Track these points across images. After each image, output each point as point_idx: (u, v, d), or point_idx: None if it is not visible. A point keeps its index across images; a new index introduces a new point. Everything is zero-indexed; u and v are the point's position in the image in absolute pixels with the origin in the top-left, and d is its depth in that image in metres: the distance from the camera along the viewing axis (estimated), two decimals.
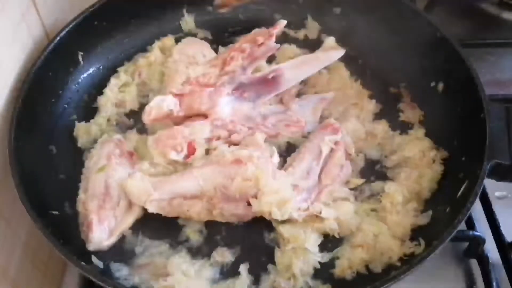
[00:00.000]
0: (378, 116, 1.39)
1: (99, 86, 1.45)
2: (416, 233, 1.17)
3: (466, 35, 1.67)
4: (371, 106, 1.40)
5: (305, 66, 1.41)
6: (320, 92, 1.44)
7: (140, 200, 1.19)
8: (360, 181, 1.28)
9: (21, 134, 1.19)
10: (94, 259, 1.14)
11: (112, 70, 1.49)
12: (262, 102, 1.37)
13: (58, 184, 1.27)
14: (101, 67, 1.50)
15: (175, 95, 1.31)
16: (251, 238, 1.20)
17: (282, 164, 1.28)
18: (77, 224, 1.20)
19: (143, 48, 1.54)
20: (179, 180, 1.21)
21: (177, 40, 1.53)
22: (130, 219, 1.20)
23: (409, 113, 1.40)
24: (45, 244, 1.05)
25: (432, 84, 1.38)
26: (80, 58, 1.45)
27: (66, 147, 1.34)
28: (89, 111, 1.41)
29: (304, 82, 1.45)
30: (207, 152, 1.28)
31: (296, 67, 1.39)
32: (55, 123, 1.36)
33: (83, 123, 1.38)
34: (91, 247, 1.15)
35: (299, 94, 1.44)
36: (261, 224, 1.20)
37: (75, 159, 1.32)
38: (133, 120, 1.42)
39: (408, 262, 1.08)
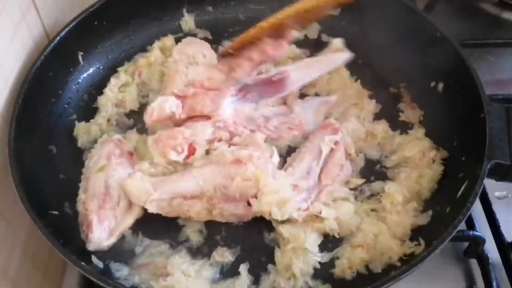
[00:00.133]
0: (378, 116, 1.39)
1: (99, 86, 1.46)
2: (416, 233, 1.17)
3: (466, 35, 1.66)
4: (371, 106, 1.40)
5: (311, 68, 1.40)
6: (320, 92, 1.45)
7: (140, 200, 1.19)
8: (360, 181, 1.28)
9: (21, 134, 1.19)
10: (94, 259, 1.14)
11: (112, 70, 1.49)
12: (264, 104, 1.37)
13: (58, 184, 1.27)
14: (101, 67, 1.51)
15: (178, 97, 1.31)
16: (251, 238, 1.21)
17: (282, 164, 1.28)
18: (77, 224, 1.20)
19: (143, 48, 1.54)
20: (179, 180, 1.21)
21: (177, 40, 1.53)
22: (130, 219, 1.20)
23: (409, 113, 1.40)
24: (45, 244, 1.05)
25: (432, 84, 1.38)
26: (80, 58, 1.45)
27: (66, 147, 1.34)
28: (89, 111, 1.41)
29: None
30: (207, 152, 1.28)
31: (302, 70, 1.38)
32: (55, 123, 1.36)
33: (83, 123, 1.38)
34: (91, 247, 1.15)
35: (301, 95, 1.43)
36: (261, 224, 1.20)
37: (75, 159, 1.32)
38: (133, 120, 1.42)
39: (408, 262, 1.08)
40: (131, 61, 1.52)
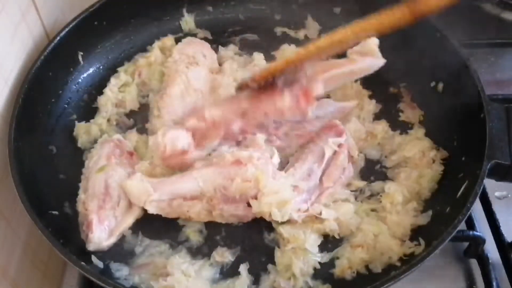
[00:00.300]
0: (378, 116, 1.39)
1: (99, 86, 1.46)
2: (416, 233, 1.17)
3: (466, 35, 1.66)
4: (371, 106, 1.40)
5: (338, 79, 1.28)
6: None
7: (140, 201, 1.19)
8: (361, 183, 1.27)
9: (21, 134, 1.19)
10: (94, 259, 1.14)
11: (112, 70, 1.49)
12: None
13: (58, 184, 1.27)
14: (101, 67, 1.51)
15: (188, 130, 1.26)
16: (251, 238, 1.21)
17: (284, 165, 1.28)
18: (77, 224, 1.20)
19: (143, 48, 1.55)
20: (179, 181, 1.20)
21: (177, 40, 1.53)
22: (130, 219, 1.20)
23: (409, 113, 1.40)
24: (45, 244, 1.05)
25: (432, 84, 1.38)
26: (80, 58, 1.45)
27: (66, 147, 1.34)
28: (89, 111, 1.41)
29: None
30: None
31: (327, 81, 1.25)
32: (55, 123, 1.36)
33: (83, 123, 1.38)
34: (90, 247, 1.15)
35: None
36: (261, 224, 1.20)
37: (75, 159, 1.32)
38: (133, 120, 1.42)
39: (408, 262, 1.08)
40: (131, 61, 1.52)
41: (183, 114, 1.36)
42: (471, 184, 1.11)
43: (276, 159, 1.25)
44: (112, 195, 1.20)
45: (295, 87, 1.22)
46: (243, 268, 1.15)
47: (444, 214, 1.15)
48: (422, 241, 1.12)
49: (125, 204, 1.21)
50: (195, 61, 1.43)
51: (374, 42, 1.25)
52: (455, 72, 1.30)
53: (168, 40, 1.54)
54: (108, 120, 1.40)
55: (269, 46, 1.55)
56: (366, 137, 1.35)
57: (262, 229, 1.21)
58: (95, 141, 1.33)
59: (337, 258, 1.17)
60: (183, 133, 1.24)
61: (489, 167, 1.12)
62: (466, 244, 1.30)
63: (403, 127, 1.38)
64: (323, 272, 1.15)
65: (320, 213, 1.18)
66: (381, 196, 1.24)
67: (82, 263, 1.04)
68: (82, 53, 1.45)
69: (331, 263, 1.16)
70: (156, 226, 1.21)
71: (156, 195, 1.18)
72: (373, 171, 1.31)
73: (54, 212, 1.19)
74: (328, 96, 1.39)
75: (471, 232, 1.28)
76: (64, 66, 1.42)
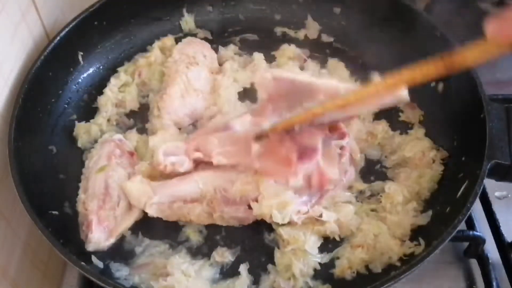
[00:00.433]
0: (378, 116, 1.39)
1: (99, 86, 1.46)
2: (416, 233, 1.17)
3: (466, 35, 1.66)
4: None
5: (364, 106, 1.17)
6: None
7: (140, 203, 1.19)
8: (362, 186, 1.27)
9: (21, 134, 1.19)
10: (94, 259, 1.14)
11: (112, 70, 1.49)
12: None
13: (58, 184, 1.27)
14: (101, 67, 1.50)
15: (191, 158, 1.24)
16: (251, 239, 1.20)
17: None
18: (77, 224, 1.20)
19: (143, 48, 1.55)
20: (179, 184, 1.20)
21: (177, 40, 1.53)
22: (129, 220, 1.20)
23: (409, 113, 1.40)
24: (45, 244, 1.04)
25: (432, 84, 1.38)
26: (80, 58, 1.45)
27: (66, 147, 1.34)
28: (89, 111, 1.41)
29: None
30: None
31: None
32: (55, 123, 1.35)
33: (83, 123, 1.38)
34: (90, 247, 1.15)
35: None
36: (261, 225, 1.20)
37: (75, 159, 1.32)
38: (133, 120, 1.42)
39: (408, 262, 1.07)
40: (131, 61, 1.52)
41: (183, 115, 1.37)
42: (471, 184, 1.11)
43: None
44: (112, 195, 1.20)
45: (311, 164, 1.17)
46: (243, 268, 1.15)
47: (444, 214, 1.15)
48: (422, 241, 1.12)
49: (125, 205, 1.21)
50: (195, 61, 1.43)
51: (405, 93, 1.13)
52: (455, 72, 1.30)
53: (168, 40, 1.54)
54: (108, 120, 1.40)
55: (269, 46, 1.55)
56: (366, 137, 1.35)
57: (262, 229, 1.21)
58: (95, 141, 1.33)
59: (337, 258, 1.16)
60: (188, 161, 1.22)
61: (489, 167, 1.11)
62: (466, 244, 1.30)
63: (403, 127, 1.38)
64: (323, 272, 1.15)
65: (321, 215, 1.17)
66: (381, 196, 1.24)
67: (82, 263, 1.04)
68: (82, 53, 1.45)
69: (331, 263, 1.16)
70: (156, 226, 1.21)
71: (156, 198, 1.18)
72: (373, 171, 1.31)
73: (54, 212, 1.19)
74: None
75: (471, 232, 1.27)
76: (64, 66, 1.42)
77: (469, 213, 1.07)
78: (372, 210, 1.23)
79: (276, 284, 1.12)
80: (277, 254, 1.16)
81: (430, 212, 1.19)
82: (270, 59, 1.51)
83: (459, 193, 1.15)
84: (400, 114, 1.41)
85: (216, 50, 1.53)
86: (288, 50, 1.52)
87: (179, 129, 1.37)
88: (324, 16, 1.57)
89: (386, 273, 1.11)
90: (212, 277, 1.15)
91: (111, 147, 1.28)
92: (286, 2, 1.61)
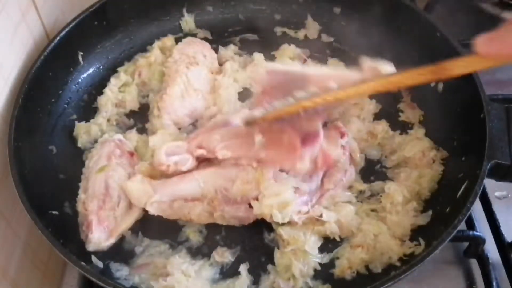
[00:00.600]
0: (378, 116, 1.39)
1: (99, 86, 1.46)
2: (416, 233, 1.17)
3: (466, 35, 1.66)
4: (371, 106, 1.40)
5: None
6: None
7: (140, 202, 1.19)
8: (362, 186, 1.27)
9: (21, 134, 1.19)
10: (94, 259, 1.14)
11: (112, 70, 1.49)
12: None
13: (58, 184, 1.27)
14: (101, 67, 1.51)
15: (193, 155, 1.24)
16: (251, 239, 1.20)
17: None
18: (77, 224, 1.20)
19: (143, 48, 1.55)
20: (180, 182, 1.20)
21: (177, 40, 1.53)
22: (129, 220, 1.20)
23: (409, 113, 1.40)
24: (45, 244, 1.05)
25: (432, 84, 1.38)
26: (80, 58, 1.45)
27: (66, 147, 1.34)
28: (89, 111, 1.42)
29: None
30: None
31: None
32: (55, 123, 1.36)
33: (83, 123, 1.38)
34: (90, 247, 1.15)
35: None
36: (261, 225, 1.20)
37: (75, 159, 1.33)
38: (133, 120, 1.42)
39: (408, 262, 1.08)
40: (131, 61, 1.52)
41: (183, 115, 1.37)
42: (471, 184, 1.11)
43: None
44: (112, 195, 1.20)
45: (315, 148, 1.18)
46: (243, 268, 1.15)
47: (444, 214, 1.15)
48: (422, 241, 1.12)
49: (125, 205, 1.21)
50: (195, 61, 1.43)
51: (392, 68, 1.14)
52: None
53: (168, 40, 1.54)
54: (108, 120, 1.40)
55: (269, 46, 1.55)
56: (367, 137, 1.35)
57: (262, 229, 1.21)
58: (95, 141, 1.33)
59: (337, 258, 1.17)
60: (191, 159, 1.22)
61: (489, 167, 1.11)
62: (466, 244, 1.30)
63: (403, 127, 1.38)
64: (323, 272, 1.15)
65: (321, 215, 1.17)
66: (381, 196, 1.24)
67: (82, 263, 1.04)
68: (82, 53, 1.45)
69: (331, 263, 1.16)
70: (156, 226, 1.21)
71: (157, 197, 1.18)
72: (373, 171, 1.31)
73: (54, 212, 1.19)
74: None
75: (471, 232, 1.27)
76: (64, 66, 1.42)
77: (469, 213, 1.07)
78: (372, 210, 1.23)
79: (276, 284, 1.12)
80: (277, 254, 1.16)
81: (430, 212, 1.19)
82: (270, 59, 1.51)
83: (459, 193, 1.15)
84: (400, 114, 1.41)
85: (216, 50, 1.53)
86: (288, 50, 1.52)
87: (179, 129, 1.37)
88: (324, 16, 1.57)
89: (386, 273, 1.11)
90: (212, 277, 1.15)
91: (111, 147, 1.28)
92: (286, 2, 1.61)
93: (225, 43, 1.57)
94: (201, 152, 1.22)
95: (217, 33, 1.61)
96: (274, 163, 1.19)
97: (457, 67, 0.94)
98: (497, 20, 1.82)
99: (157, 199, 1.18)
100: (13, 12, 1.26)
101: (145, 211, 1.20)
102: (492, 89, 1.45)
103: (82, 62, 1.46)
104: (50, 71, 1.34)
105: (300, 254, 1.14)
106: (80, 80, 1.46)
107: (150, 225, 1.21)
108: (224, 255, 1.17)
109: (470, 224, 1.30)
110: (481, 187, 1.09)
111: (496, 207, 1.34)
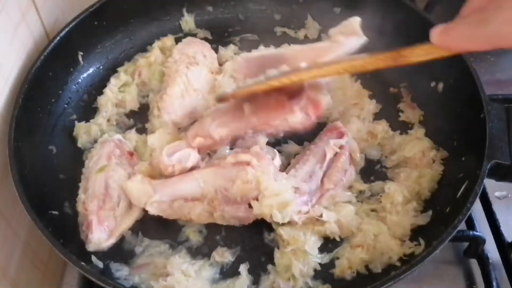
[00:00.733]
0: (378, 116, 1.39)
1: (99, 86, 1.46)
2: (416, 233, 1.17)
3: None
4: (371, 106, 1.40)
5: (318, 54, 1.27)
6: None
7: (140, 202, 1.19)
8: (362, 186, 1.27)
9: (21, 134, 1.19)
10: (94, 259, 1.14)
11: (112, 70, 1.49)
12: None
13: (58, 184, 1.27)
14: (101, 67, 1.51)
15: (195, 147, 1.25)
16: (251, 239, 1.20)
17: (285, 166, 1.28)
18: (77, 224, 1.20)
19: (143, 48, 1.55)
20: (180, 182, 1.20)
21: (177, 40, 1.53)
22: (129, 220, 1.20)
23: (409, 113, 1.40)
24: (45, 244, 1.05)
25: (432, 84, 1.38)
26: (80, 58, 1.45)
27: (66, 147, 1.34)
28: (89, 111, 1.42)
29: None
30: (209, 154, 1.28)
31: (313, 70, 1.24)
32: (55, 123, 1.36)
33: (83, 123, 1.38)
34: (90, 247, 1.15)
35: None
36: (261, 225, 1.20)
37: (75, 159, 1.33)
38: (133, 120, 1.42)
39: (408, 262, 1.08)
40: (131, 61, 1.52)
41: (183, 115, 1.37)
42: (471, 184, 1.11)
43: (278, 161, 1.24)
44: (112, 195, 1.20)
45: (302, 99, 1.21)
46: (243, 268, 1.15)
47: (444, 214, 1.15)
48: (422, 241, 1.12)
49: (125, 205, 1.21)
50: (195, 61, 1.43)
51: (356, 22, 1.28)
52: (455, 72, 1.30)
53: (168, 40, 1.54)
54: (108, 120, 1.40)
55: (269, 46, 1.55)
56: (367, 137, 1.35)
57: (262, 229, 1.21)
58: (95, 141, 1.33)
59: (337, 258, 1.17)
60: (193, 152, 1.23)
61: (489, 167, 1.11)
62: (466, 244, 1.30)
63: (403, 127, 1.38)
64: (323, 272, 1.15)
65: (321, 215, 1.17)
66: (381, 196, 1.24)
67: (82, 263, 1.04)
68: (82, 53, 1.45)
69: (331, 263, 1.16)
70: (156, 226, 1.21)
71: (157, 196, 1.18)
72: (373, 171, 1.31)
73: (54, 212, 1.19)
74: None
75: (471, 232, 1.27)
76: (64, 66, 1.42)
77: (469, 213, 1.07)
78: (372, 210, 1.23)
79: (276, 284, 1.12)
80: (277, 254, 1.16)
81: (430, 212, 1.19)
82: None
83: (459, 193, 1.15)
84: (400, 114, 1.41)
85: (216, 50, 1.53)
86: (288, 50, 1.52)
87: (179, 129, 1.37)
88: (324, 16, 1.57)
89: (386, 273, 1.11)
90: (212, 277, 1.15)
91: (111, 147, 1.28)
92: (286, 2, 1.61)
93: (225, 43, 1.57)
94: (199, 140, 1.23)
95: (217, 33, 1.61)
96: (267, 124, 1.21)
97: (415, 55, 0.99)
98: None
99: (157, 199, 1.18)
100: (13, 12, 1.26)
101: (145, 211, 1.20)
102: (492, 89, 1.45)
103: (82, 62, 1.46)
104: (50, 71, 1.34)
105: (300, 254, 1.14)
106: (80, 80, 1.46)
107: (150, 225, 1.21)
108: (224, 255, 1.17)
109: (470, 224, 1.30)
110: (481, 187, 1.09)
111: (496, 207, 1.34)
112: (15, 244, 1.21)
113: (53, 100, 1.37)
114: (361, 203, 1.24)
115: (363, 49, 1.41)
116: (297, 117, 1.19)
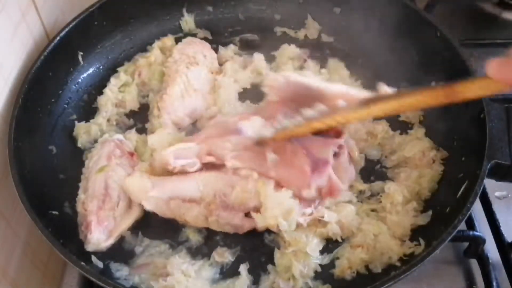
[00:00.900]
0: None
1: (99, 86, 1.46)
2: (416, 233, 1.17)
3: (466, 35, 1.66)
4: None
5: None
6: None
7: (138, 198, 1.19)
8: (362, 186, 1.27)
9: (21, 134, 1.19)
10: (93, 259, 1.14)
11: (112, 70, 1.49)
12: None
13: (58, 184, 1.27)
14: (101, 67, 1.51)
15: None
16: (251, 239, 1.20)
17: None
18: (77, 224, 1.20)
19: (143, 48, 1.55)
20: (180, 181, 1.20)
21: (177, 40, 1.53)
22: (129, 221, 1.20)
23: (409, 113, 1.40)
24: (45, 244, 1.05)
25: (432, 84, 1.37)
26: (80, 58, 1.45)
27: (66, 147, 1.34)
28: (89, 111, 1.42)
29: None
30: None
31: None
32: (55, 123, 1.36)
33: (83, 123, 1.38)
34: (89, 248, 1.15)
35: None
36: None
37: (75, 159, 1.32)
38: (133, 120, 1.42)
39: (408, 262, 1.08)
40: (131, 61, 1.52)
41: (183, 115, 1.37)
42: (471, 184, 1.11)
43: None
44: (111, 195, 1.20)
45: (323, 176, 1.17)
46: (243, 268, 1.15)
47: (444, 214, 1.15)
48: (422, 241, 1.12)
49: (125, 205, 1.21)
50: (195, 61, 1.43)
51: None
52: (455, 72, 1.30)
53: (168, 40, 1.54)
54: (108, 120, 1.40)
55: (269, 46, 1.55)
56: (367, 137, 1.35)
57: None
58: (95, 141, 1.33)
59: (337, 258, 1.16)
60: (197, 164, 1.22)
61: (489, 167, 1.11)
62: (466, 244, 1.30)
63: (403, 127, 1.38)
64: (323, 272, 1.15)
65: (323, 216, 1.17)
66: (381, 196, 1.24)
67: (82, 263, 1.04)
68: (82, 53, 1.45)
69: (331, 263, 1.16)
70: (156, 226, 1.21)
71: (155, 191, 1.17)
72: (373, 171, 1.31)
73: (54, 212, 1.19)
74: None
75: (471, 232, 1.27)
76: (64, 66, 1.42)
77: (469, 213, 1.07)
78: (372, 210, 1.23)
79: (276, 285, 1.12)
80: (277, 255, 1.16)
81: (430, 212, 1.19)
82: (270, 59, 1.52)
83: (459, 193, 1.15)
84: (400, 114, 1.40)
85: (216, 50, 1.53)
86: (288, 50, 1.52)
87: (179, 129, 1.37)
88: (324, 16, 1.57)
89: (386, 273, 1.11)
90: (212, 277, 1.15)
91: (111, 147, 1.28)
92: (286, 2, 1.61)
93: (225, 43, 1.57)
94: (210, 159, 1.21)
95: (217, 33, 1.61)
96: (283, 184, 1.17)
97: (471, 90, 0.90)
98: (497, 20, 1.82)
99: (154, 194, 1.17)
100: (13, 12, 1.26)
101: (144, 211, 1.20)
102: None
103: (82, 62, 1.46)
104: (50, 71, 1.34)
105: (301, 255, 1.14)
106: (80, 80, 1.46)
107: (150, 225, 1.21)
108: (224, 255, 1.17)
109: (470, 224, 1.30)
110: (481, 187, 1.09)
111: (496, 207, 1.34)
112: (15, 244, 1.21)
113: (53, 100, 1.37)
114: (361, 203, 1.24)
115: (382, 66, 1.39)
116: (309, 194, 1.16)
